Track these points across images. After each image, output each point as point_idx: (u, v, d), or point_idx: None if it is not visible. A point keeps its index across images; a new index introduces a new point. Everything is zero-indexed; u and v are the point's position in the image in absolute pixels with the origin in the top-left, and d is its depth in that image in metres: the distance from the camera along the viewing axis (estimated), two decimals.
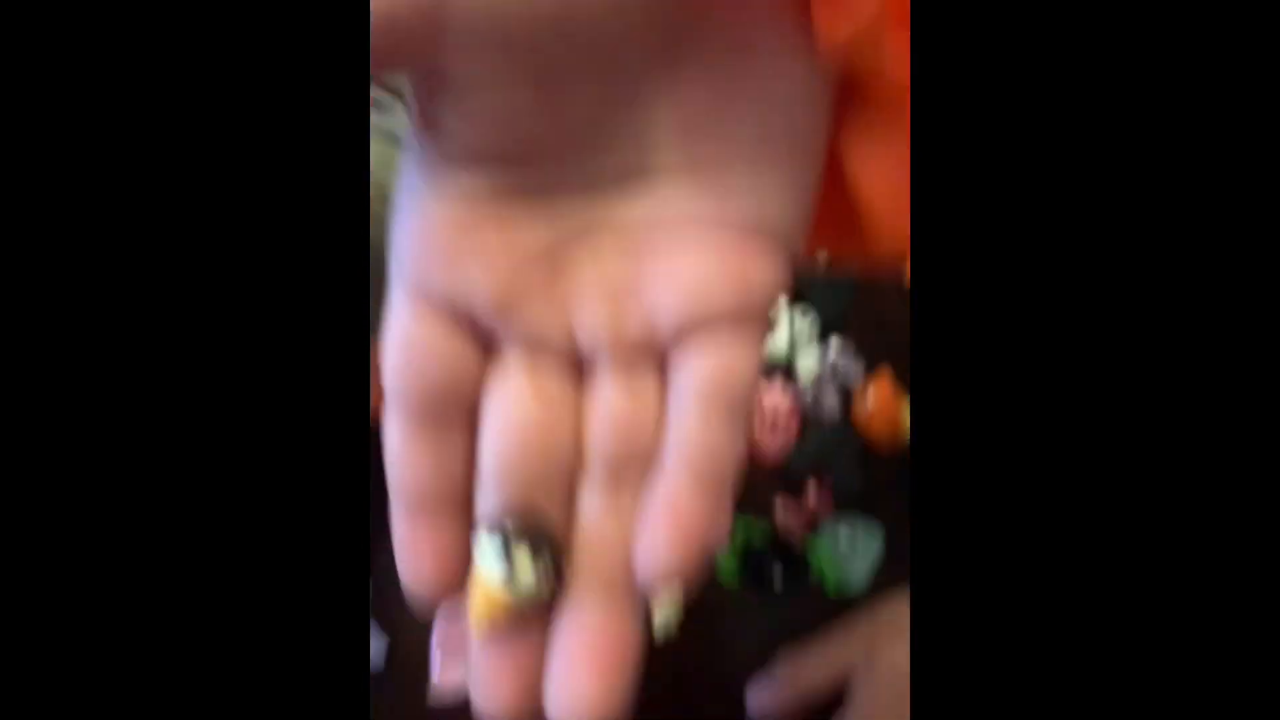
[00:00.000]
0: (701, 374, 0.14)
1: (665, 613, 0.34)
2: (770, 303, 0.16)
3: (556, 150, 0.14)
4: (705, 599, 0.35)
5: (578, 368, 0.15)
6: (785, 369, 0.37)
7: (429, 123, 0.14)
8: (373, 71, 0.14)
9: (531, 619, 0.14)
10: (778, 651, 0.33)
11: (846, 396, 0.37)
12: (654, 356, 0.15)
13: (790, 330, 0.37)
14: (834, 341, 0.37)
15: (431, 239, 0.15)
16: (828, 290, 0.37)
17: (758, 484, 0.36)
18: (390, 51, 0.13)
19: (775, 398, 0.36)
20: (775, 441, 0.36)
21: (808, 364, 0.37)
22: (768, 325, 0.16)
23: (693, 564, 0.14)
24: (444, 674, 0.33)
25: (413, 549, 0.15)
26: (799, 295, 0.37)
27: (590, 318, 0.14)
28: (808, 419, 0.36)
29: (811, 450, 0.36)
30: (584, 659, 0.14)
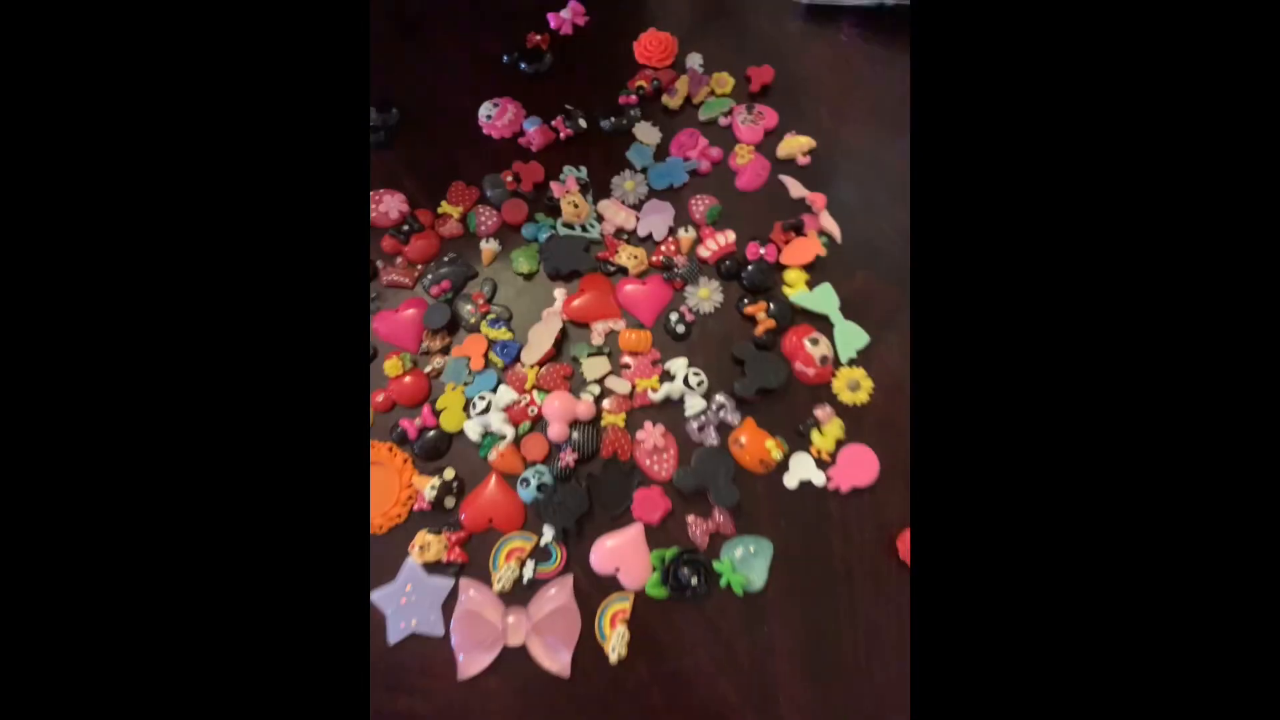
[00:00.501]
0: None
1: (615, 645, 0.40)
2: None
3: None
4: (642, 615, 0.42)
5: None
6: (679, 405, 0.46)
7: None
8: None
9: None
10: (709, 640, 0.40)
11: (726, 432, 0.46)
12: None
13: (685, 381, 0.45)
14: (720, 396, 0.46)
15: None
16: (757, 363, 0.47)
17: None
18: None
19: (656, 434, 0.45)
20: (661, 466, 0.44)
21: (695, 406, 0.46)
22: None
23: None
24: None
25: None
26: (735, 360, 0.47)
27: None
28: (690, 445, 0.45)
29: (693, 471, 0.44)
30: None
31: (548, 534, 0.43)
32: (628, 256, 0.49)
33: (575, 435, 0.45)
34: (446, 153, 0.53)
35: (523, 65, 0.55)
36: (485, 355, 0.47)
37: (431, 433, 0.45)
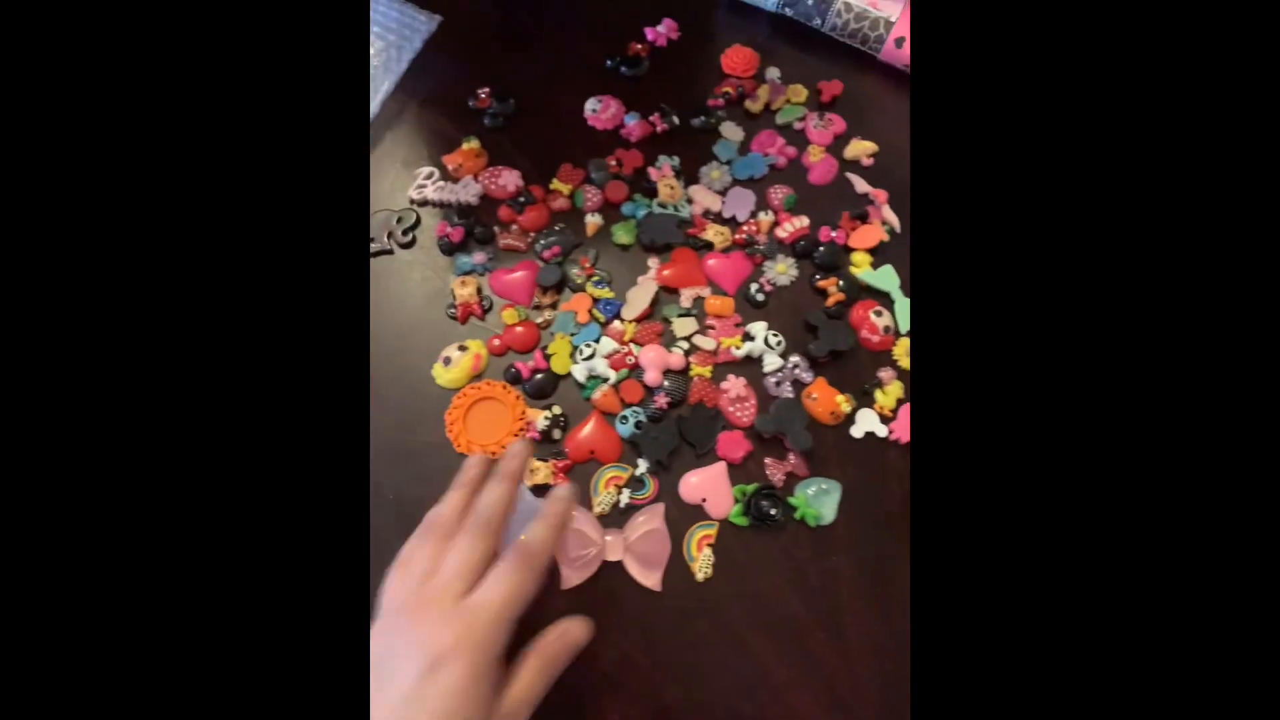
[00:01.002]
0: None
1: (701, 565, 0.46)
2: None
3: None
4: (725, 541, 0.47)
5: None
6: (758, 362, 0.52)
7: None
8: None
9: None
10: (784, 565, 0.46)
11: (799, 388, 0.52)
12: None
13: (764, 341, 0.52)
14: (795, 356, 0.53)
15: None
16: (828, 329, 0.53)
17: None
18: None
19: (738, 385, 0.51)
20: (743, 412, 0.50)
21: (773, 363, 0.52)
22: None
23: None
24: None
25: None
26: (808, 325, 0.54)
27: None
28: (769, 398, 0.51)
29: (772, 417, 0.50)
30: None
31: (642, 465, 0.49)
32: (714, 233, 0.56)
33: (667, 382, 0.51)
34: (557, 139, 0.60)
35: (623, 69, 0.63)
36: (590, 311, 0.53)
37: (541, 375, 0.52)
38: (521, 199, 0.57)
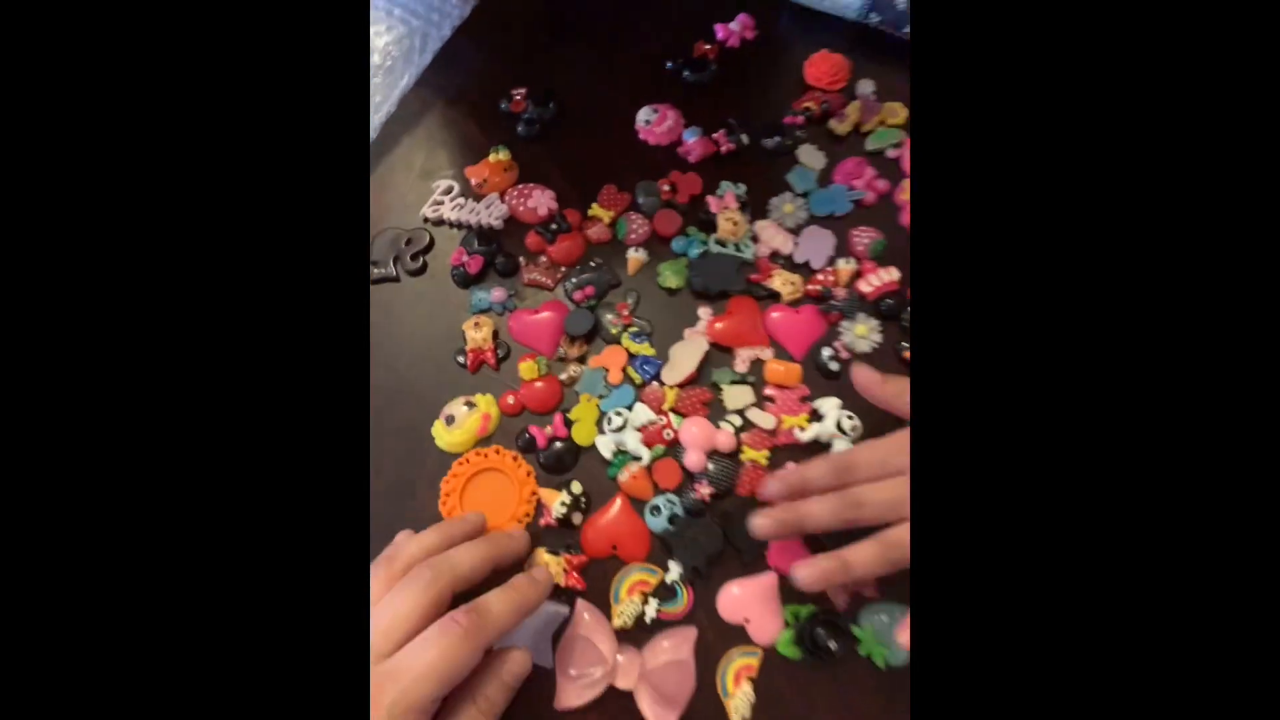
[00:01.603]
0: None
1: (738, 706, 0.37)
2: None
3: None
4: (769, 675, 0.38)
5: None
6: (826, 448, 0.43)
7: None
8: None
9: None
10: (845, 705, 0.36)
11: None
12: None
13: (837, 424, 0.42)
14: None
15: None
16: None
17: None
18: None
19: None
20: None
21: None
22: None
23: None
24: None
25: None
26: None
27: None
28: None
29: None
30: None
31: (674, 570, 0.40)
32: (782, 282, 0.46)
33: (712, 467, 0.42)
34: (600, 153, 0.52)
35: (686, 73, 0.54)
36: (624, 369, 0.45)
37: (560, 444, 0.43)
38: (554, 225, 0.49)
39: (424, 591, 0.32)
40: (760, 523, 0.37)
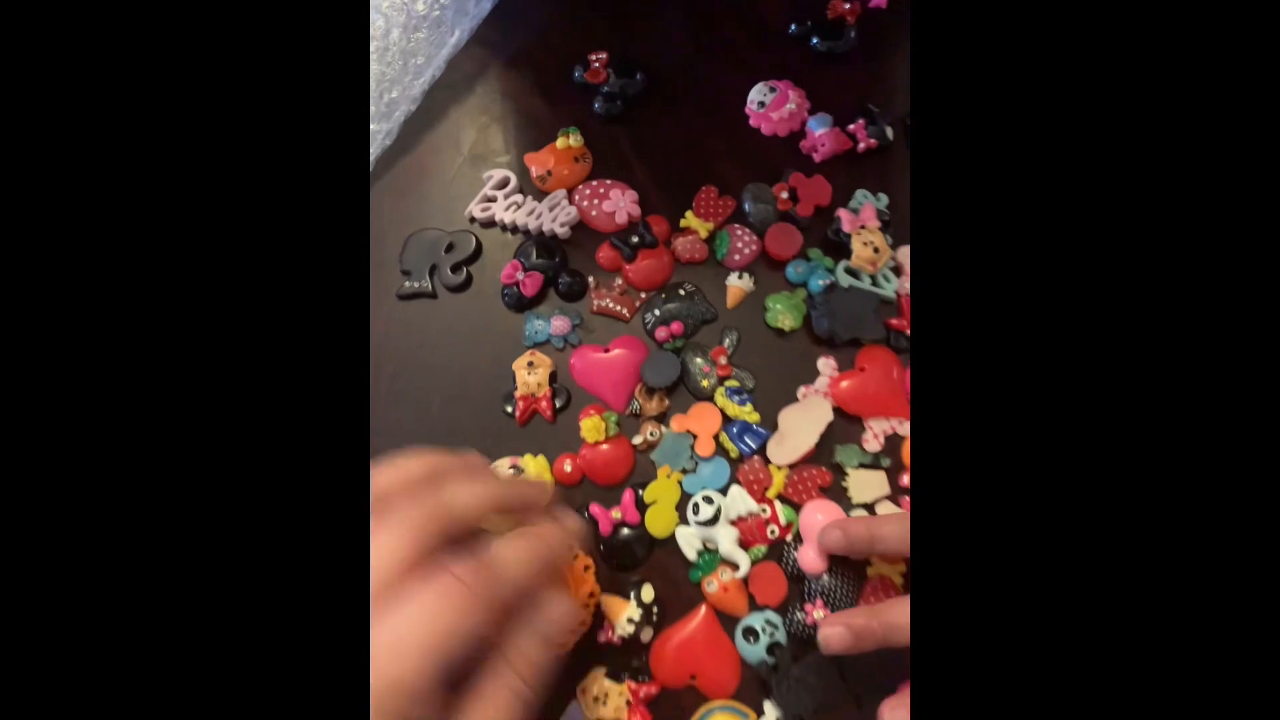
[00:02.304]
0: None
1: None
2: None
3: None
4: None
5: None
6: None
7: None
8: None
9: None
10: None
11: None
12: None
13: None
14: None
15: None
16: None
17: None
18: None
19: None
20: None
21: None
22: None
23: None
24: None
25: None
26: None
27: None
28: None
29: None
30: None
31: (771, 715, 0.31)
32: None
33: (829, 579, 0.32)
34: (698, 142, 0.43)
35: (815, 40, 0.45)
36: (717, 437, 0.35)
37: (629, 531, 0.33)
38: (634, 237, 0.40)
39: (408, 533, 0.23)
40: (834, 632, 0.28)
